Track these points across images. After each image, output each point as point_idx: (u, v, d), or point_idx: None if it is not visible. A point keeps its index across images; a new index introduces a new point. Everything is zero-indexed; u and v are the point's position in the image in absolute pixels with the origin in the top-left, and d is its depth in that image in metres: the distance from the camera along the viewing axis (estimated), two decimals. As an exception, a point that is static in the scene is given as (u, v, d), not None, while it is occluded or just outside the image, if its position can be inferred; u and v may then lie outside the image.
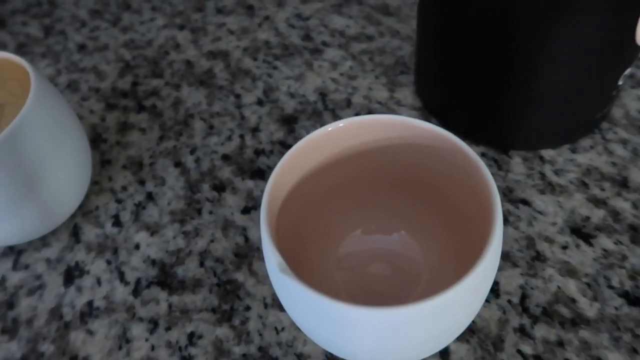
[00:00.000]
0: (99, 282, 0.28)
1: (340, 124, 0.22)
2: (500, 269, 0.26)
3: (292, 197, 0.22)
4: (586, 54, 0.25)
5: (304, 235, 0.24)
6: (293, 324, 0.25)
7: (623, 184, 0.28)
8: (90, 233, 0.30)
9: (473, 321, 0.24)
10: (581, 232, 0.27)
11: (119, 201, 0.31)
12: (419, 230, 0.24)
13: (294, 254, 0.23)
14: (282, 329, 0.25)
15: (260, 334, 0.25)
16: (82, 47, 0.41)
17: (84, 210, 0.31)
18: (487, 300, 0.25)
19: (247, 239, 0.28)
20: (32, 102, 0.24)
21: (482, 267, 0.17)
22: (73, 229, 0.30)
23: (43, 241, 0.30)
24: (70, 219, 0.30)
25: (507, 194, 0.29)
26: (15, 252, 0.29)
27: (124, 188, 0.32)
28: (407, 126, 0.21)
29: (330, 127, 0.22)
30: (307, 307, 0.18)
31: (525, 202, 0.28)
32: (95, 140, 0.34)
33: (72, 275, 0.28)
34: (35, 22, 0.44)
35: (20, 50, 0.42)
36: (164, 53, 0.39)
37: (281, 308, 0.26)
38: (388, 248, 0.24)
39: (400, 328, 0.17)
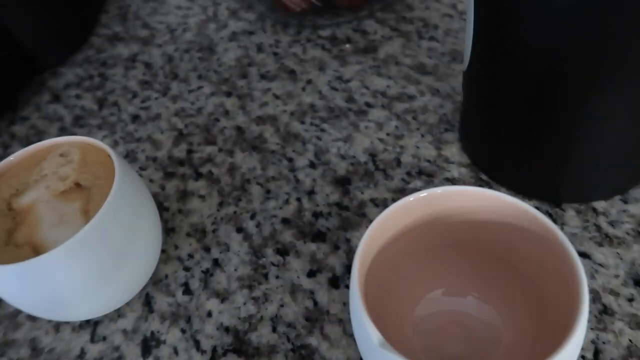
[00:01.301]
0: (175, 351, 0.29)
1: (421, 194, 0.23)
2: (569, 324, 0.26)
3: (374, 264, 0.23)
4: (634, 108, 0.27)
5: (383, 300, 0.25)
6: (372, 388, 0.26)
7: (679, 233, 0.29)
8: (162, 302, 0.31)
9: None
10: (644, 284, 0.27)
11: (186, 269, 0.32)
12: (496, 295, 0.25)
13: (375, 316, 0.24)
14: (362, 393, 0.25)
15: (341, 399, 0.25)
16: (135, 118, 0.43)
17: (155, 279, 0.32)
18: (560, 357, 0.25)
19: (315, 303, 0.29)
20: (118, 185, 0.26)
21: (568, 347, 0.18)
22: (145, 299, 0.31)
23: (118, 312, 0.31)
24: (142, 289, 0.32)
25: (566, 248, 0.29)
26: (91, 325, 0.31)
27: (191, 255, 0.33)
28: (484, 197, 0.23)
29: (411, 198, 0.23)
30: None
31: (585, 255, 0.29)
32: (158, 208, 0.36)
33: (149, 345, 0.29)
34: (88, 95, 0.47)
35: (77, 123, 0.44)
36: (214, 120, 0.42)
37: (358, 372, 0.26)
38: (464, 312, 0.25)
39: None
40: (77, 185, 0.28)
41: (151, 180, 0.38)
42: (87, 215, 0.26)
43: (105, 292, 0.28)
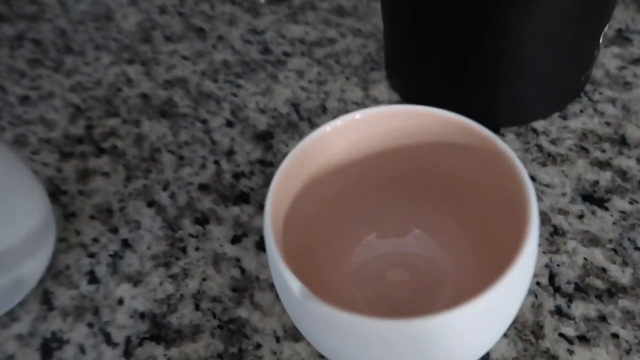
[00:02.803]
0: (82, 350, 0.24)
1: (337, 122, 0.20)
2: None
3: (295, 209, 0.20)
4: (566, 15, 0.24)
5: (312, 249, 0.21)
6: (313, 353, 0.22)
7: (622, 142, 0.27)
8: (63, 297, 0.26)
9: (506, 312, 0.22)
10: (593, 198, 0.25)
11: (91, 255, 0.28)
12: (437, 229, 0.22)
13: (305, 273, 0.20)
14: (301, 361, 0.22)
15: (278, 373, 0.22)
16: (24, 99, 0.38)
17: (53, 272, 0.27)
18: (515, 288, 0.23)
19: (243, 271, 0.26)
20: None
21: (520, 263, 0.15)
22: (43, 296, 0.26)
23: (10, 316, 0.26)
24: (38, 285, 0.27)
25: (509, 173, 0.27)
26: (-20, 334, 0.26)
27: (95, 240, 0.28)
28: (411, 115, 0.20)
29: (328, 127, 0.19)
30: (338, 331, 0.15)
31: (530, 178, 0.27)
32: (54, 193, 0.31)
33: (49, 348, 0.24)
34: (-32, 82, 0.40)
35: (-44, 113, 0.38)
36: (116, 90, 0.37)
37: (296, 339, 0.23)
38: (405, 251, 0.22)
39: (443, 336, 0.15)
40: None
41: (45, 164, 0.33)
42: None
43: (-17, 292, 0.23)
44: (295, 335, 0.23)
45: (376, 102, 0.32)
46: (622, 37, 0.32)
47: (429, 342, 0.15)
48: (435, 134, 0.20)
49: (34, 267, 0.25)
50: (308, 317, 0.16)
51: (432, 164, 0.21)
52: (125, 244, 0.28)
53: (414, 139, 0.21)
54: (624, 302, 0.22)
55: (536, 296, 0.23)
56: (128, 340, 0.24)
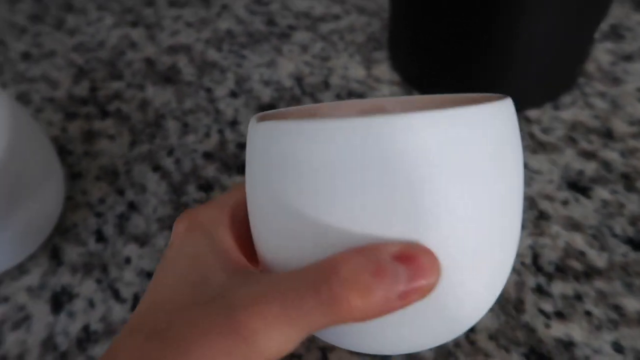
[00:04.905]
0: (91, 304, 0.25)
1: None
2: (507, 232, 0.26)
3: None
4: (564, 10, 0.26)
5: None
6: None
7: (608, 135, 0.29)
8: (72, 253, 0.27)
9: (491, 287, 0.24)
10: (578, 186, 0.27)
11: (98, 215, 0.29)
12: None
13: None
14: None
15: (279, 333, 0.24)
16: (26, 56, 0.38)
17: (61, 229, 0.28)
18: (500, 265, 0.25)
19: (246, 237, 0.27)
20: (1, 125, 0.22)
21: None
22: (52, 251, 0.27)
23: (20, 269, 0.27)
24: (46, 240, 0.28)
25: (501, 158, 0.29)
26: (-11, 285, 0.27)
27: (102, 200, 0.29)
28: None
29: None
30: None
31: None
32: (61, 152, 0.32)
33: (60, 300, 0.26)
34: (-34, 34, 0.40)
35: (-45, 65, 0.38)
36: (119, 53, 0.37)
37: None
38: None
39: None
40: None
41: (50, 123, 0.33)
42: (-42, 154, 0.22)
43: (-3, 246, 0.24)
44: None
45: (378, 81, 0.33)
46: (615, 33, 0.33)
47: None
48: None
49: (43, 222, 0.26)
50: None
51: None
52: (132, 206, 0.29)
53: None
54: (599, 284, 0.24)
55: (520, 274, 0.24)
56: (136, 297, 0.25)
